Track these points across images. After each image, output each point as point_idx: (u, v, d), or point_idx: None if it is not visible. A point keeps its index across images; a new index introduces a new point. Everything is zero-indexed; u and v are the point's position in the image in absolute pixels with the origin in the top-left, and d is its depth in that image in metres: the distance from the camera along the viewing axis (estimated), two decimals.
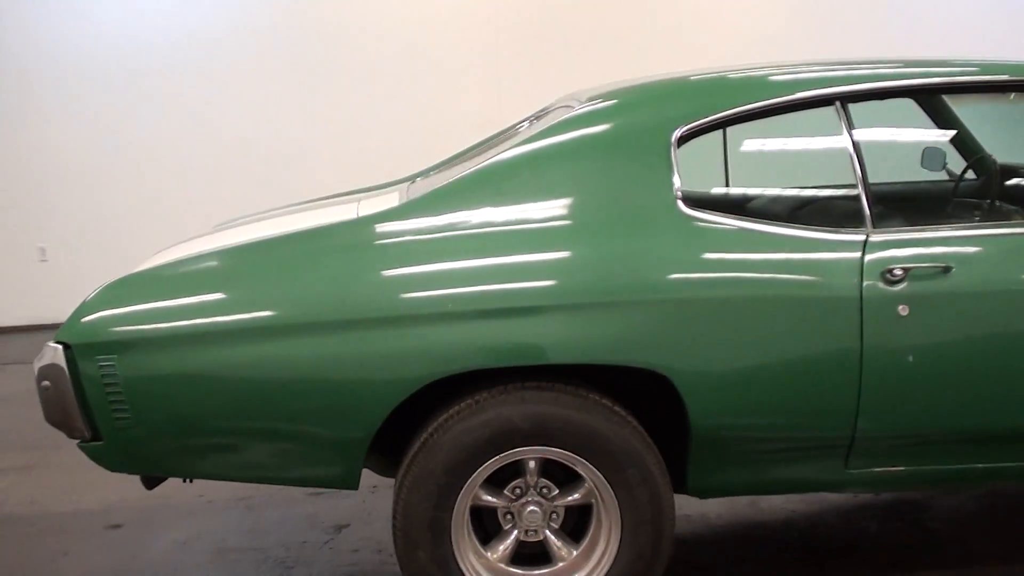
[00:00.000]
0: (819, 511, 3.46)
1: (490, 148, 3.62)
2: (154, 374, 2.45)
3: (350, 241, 2.56)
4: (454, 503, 2.50)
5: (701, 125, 2.64)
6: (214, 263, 2.59)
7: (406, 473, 2.49)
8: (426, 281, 2.47)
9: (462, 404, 2.49)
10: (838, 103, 2.71)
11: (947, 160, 3.77)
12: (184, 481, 2.75)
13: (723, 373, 2.51)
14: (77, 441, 2.53)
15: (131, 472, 2.65)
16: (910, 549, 3.12)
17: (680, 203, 2.55)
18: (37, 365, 2.47)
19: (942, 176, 3.58)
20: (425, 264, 2.50)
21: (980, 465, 2.69)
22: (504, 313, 2.45)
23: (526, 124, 3.75)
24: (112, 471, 2.61)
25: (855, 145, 2.68)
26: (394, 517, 2.52)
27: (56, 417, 2.49)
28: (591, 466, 2.52)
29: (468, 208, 2.58)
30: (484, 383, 2.50)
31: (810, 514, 3.44)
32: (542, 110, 3.71)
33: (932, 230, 2.62)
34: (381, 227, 2.58)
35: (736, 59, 4.42)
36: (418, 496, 2.48)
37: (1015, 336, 2.57)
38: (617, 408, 2.53)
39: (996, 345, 2.57)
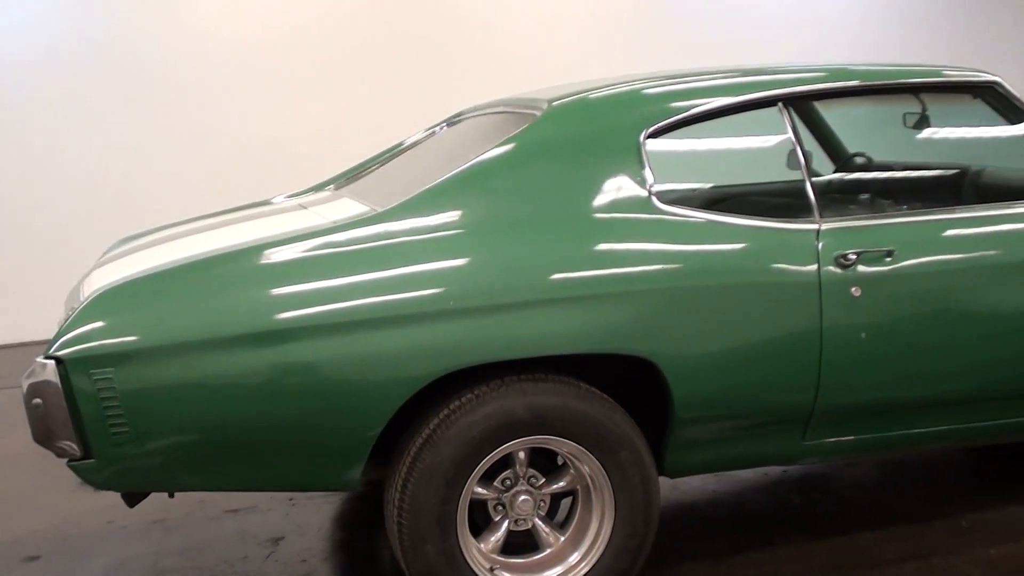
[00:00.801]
0: (739, 490, 3.68)
1: (414, 152, 3.68)
2: (153, 386, 2.36)
3: (347, 242, 2.56)
4: (460, 496, 2.54)
5: (665, 125, 2.80)
6: (207, 269, 2.52)
7: (410, 470, 2.51)
8: (428, 279, 2.50)
9: (462, 399, 2.53)
10: (781, 104, 2.94)
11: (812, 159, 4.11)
12: (169, 496, 2.66)
13: (703, 357, 2.66)
14: (66, 461, 2.41)
15: (123, 489, 2.54)
16: (839, 515, 3.37)
17: (654, 199, 2.70)
18: (27, 382, 2.34)
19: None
20: (427, 263, 2.53)
21: (921, 430, 2.97)
22: (506, 308, 2.51)
23: (439, 129, 3.83)
24: (102, 489, 2.49)
25: (799, 142, 2.91)
26: (398, 514, 2.52)
27: (46, 436, 2.36)
28: (587, 451, 2.61)
29: (459, 208, 2.63)
30: (478, 378, 2.55)
31: (732, 492, 3.65)
32: (457, 115, 3.80)
33: (871, 218, 2.87)
34: (375, 229, 2.59)
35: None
36: (427, 491, 2.50)
37: (951, 311, 2.85)
38: (606, 396, 2.64)
39: (935, 320, 2.84)
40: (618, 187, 2.70)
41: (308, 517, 3.66)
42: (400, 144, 3.92)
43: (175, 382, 2.37)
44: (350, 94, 7.40)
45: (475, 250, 2.57)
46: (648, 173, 2.72)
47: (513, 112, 3.09)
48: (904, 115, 3.61)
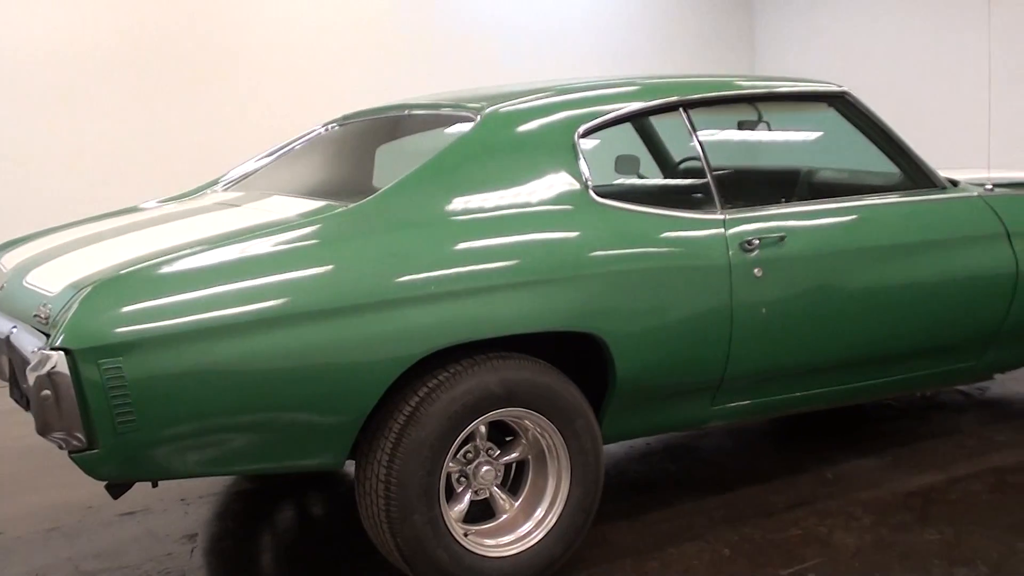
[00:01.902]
0: (617, 461, 4.03)
1: (316, 153, 3.82)
2: (160, 373, 2.41)
3: (333, 232, 2.69)
4: (441, 467, 2.73)
5: (594, 125, 3.12)
6: (204, 258, 2.58)
7: (396, 446, 2.66)
8: (412, 265, 2.68)
9: (440, 378, 2.71)
10: (681, 108, 3.32)
11: (640, 165, 4.57)
12: (153, 485, 2.67)
13: (640, 333, 2.99)
14: (69, 452, 2.41)
15: (124, 478, 2.55)
16: (716, 477, 3.79)
17: (591, 192, 3.00)
18: (34, 374, 2.33)
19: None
20: (409, 251, 2.71)
21: (807, 393, 3.43)
22: (482, 291, 2.74)
23: (322, 129, 3.98)
24: (103, 480, 2.50)
25: (700, 143, 3.31)
26: (385, 488, 2.66)
27: (54, 428, 2.36)
28: (547, 420, 2.87)
29: (427, 200, 2.83)
30: (449, 358, 2.75)
31: (612, 464, 4.00)
32: (348, 116, 3.96)
33: (762, 209, 3.30)
34: (355, 220, 2.74)
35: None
36: (413, 464, 2.67)
37: (832, 287, 3.32)
38: (559, 371, 2.92)
39: (819, 295, 3.31)
40: (561, 182, 2.98)
41: (209, 513, 3.69)
42: (283, 146, 4.02)
43: (181, 369, 2.43)
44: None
45: (447, 239, 2.77)
46: (584, 168, 3.02)
47: (440, 115, 3.31)
48: (738, 122, 4.11)
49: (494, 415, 2.80)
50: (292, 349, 2.53)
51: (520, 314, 2.80)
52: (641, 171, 4.55)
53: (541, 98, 3.18)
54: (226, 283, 2.52)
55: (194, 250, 2.60)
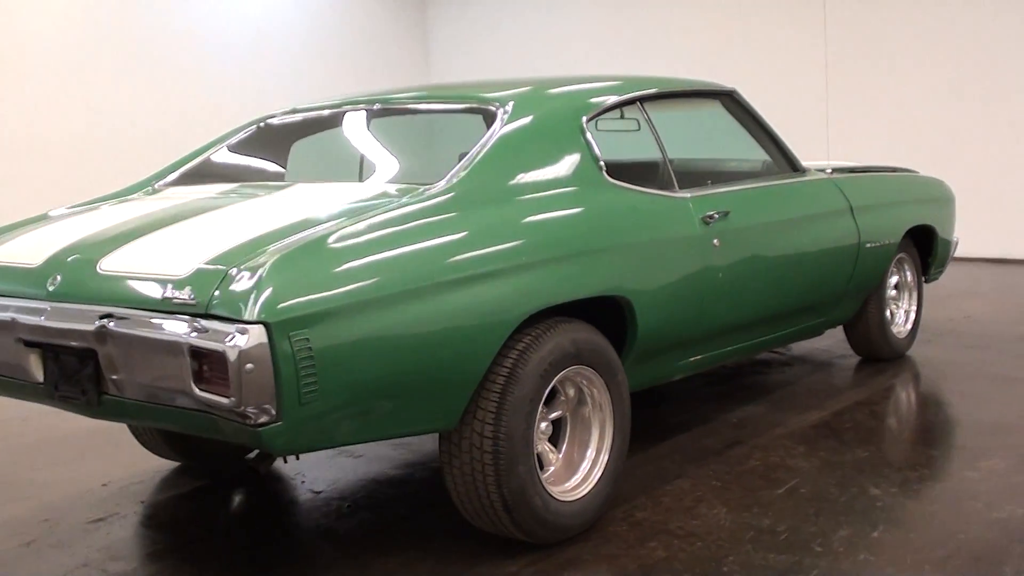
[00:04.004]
0: None
1: (268, 144, 3.93)
2: (337, 343, 2.53)
3: (451, 207, 2.95)
4: (535, 421, 3.01)
5: (595, 113, 3.54)
6: (353, 232, 2.70)
7: (500, 403, 2.90)
8: (517, 236, 2.99)
9: (526, 340, 2.99)
10: (638, 102, 3.81)
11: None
12: (283, 461, 2.70)
13: (652, 294, 3.43)
14: (253, 427, 2.44)
15: (294, 451, 2.59)
16: (656, 433, 4.28)
17: (604, 173, 3.41)
18: (236, 348, 2.36)
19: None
20: (509, 223, 3.02)
21: (738, 346, 4.04)
22: (558, 260, 3.09)
23: (254, 128, 4.07)
24: (279, 453, 2.54)
25: (656, 134, 3.81)
26: (493, 443, 2.88)
27: (250, 402, 2.40)
28: (598, 375, 3.22)
29: (496, 182, 3.12)
30: (527, 323, 3.04)
31: None
32: (292, 109, 4.08)
33: (709, 188, 3.86)
34: (449, 201, 2.99)
35: None
36: (517, 419, 2.92)
37: (760, 254, 3.94)
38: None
39: (753, 262, 3.91)
40: (584, 164, 3.38)
41: (123, 533, 3.47)
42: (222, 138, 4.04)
43: (352, 339, 2.56)
44: None
45: (528, 214, 3.08)
46: (597, 151, 3.42)
47: (454, 107, 3.67)
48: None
49: (567, 372, 3.11)
50: (436, 315, 2.73)
51: (581, 280, 3.16)
52: None
53: (547, 88, 3.54)
54: (382, 255, 2.68)
55: (331, 226, 2.72)
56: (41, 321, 2.84)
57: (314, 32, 10.78)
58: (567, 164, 3.34)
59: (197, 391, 2.49)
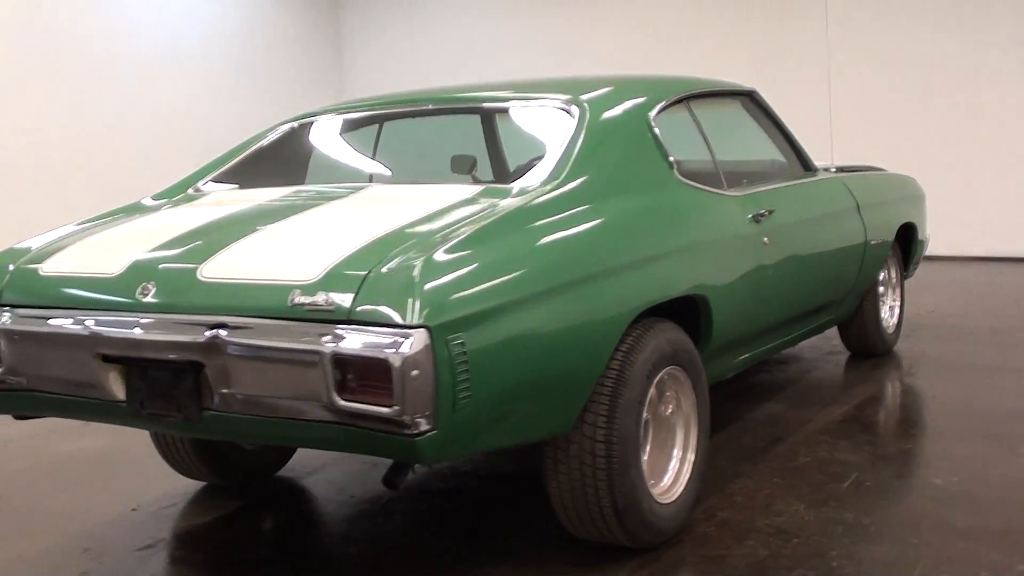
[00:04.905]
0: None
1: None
2: (487, 346, 2.44)
3: (570, 205, 2.91)
4: (642, 423, 2.96)
5: (659, 109, 3.52)
6: (484, 233, 2.60)
7: (612, 406, 2.84)
8: (620, 236, 2.97)
9: (628, 341, 2.94)
10: (686, 101, 3.80)
11: (476, 165, 4.95)
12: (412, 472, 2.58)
13: (725, 292, 3.43)
14: (408, 437, 2.31)
15: (443, 459, 2.47)
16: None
17: (676, 171, 3.39)
18: (400, 356, 2.24)
19: None
20: (621, 221, 3.01)
21: (775, 343, 4.07)
22: (658, 259, 3.08)
23: (288, 130, 3.92)
24: (428, 463, 2.42)
25: (703, 133, 3.81)
26: (606, 448, 2.81)
27: (415, 411, 2.28)
28: (686, 375, 3.19)
29: (597, 180, 3.10)
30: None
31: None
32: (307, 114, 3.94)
33: (751, 188, 3.88)
34: (567, 198, 2.95)
35: None
36: (629, 421, 2.87)
37: (799, 252, 3.99)
38: None
39: (795, 260, 3.95)
40: (658, 163, 3.34)
41: (178, 558, 3.31)
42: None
43: (499, 340, 2.48)
44: None
45: (627, 212, 3.07)
46: (668, 149, 3.39)
47: (525, 106, 3.63)
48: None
49: (663, 372, 3.07)
50: (567, 313, 2.68)
51: (676, 278, 3.14)
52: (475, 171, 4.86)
53: (609, 87, 3.50)
54: (522, 252, 2.61)
55: (462, 226, 2.62)
56: (134, 334, 2.65)
57: (228, 43, 10.48)
58: (646, 162, 3.31)
59: (340, 402, 2.35)
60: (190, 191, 3.61)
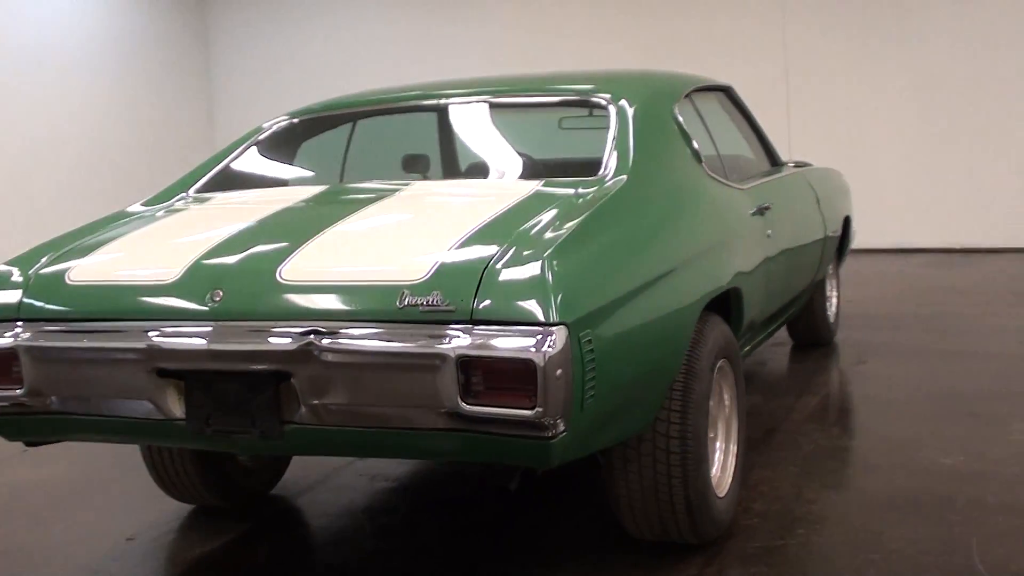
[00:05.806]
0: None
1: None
2: (611, 340, 2.38)
3: (649, 197, 2.92)
4: (709, 417, 2.93)
5: (682, 100, 3.53)
6: (585, 226, 2.52)
7: (684, 402, 2.79)
8: (693, 229, 2.96)
9: (694, 334, 2.91)
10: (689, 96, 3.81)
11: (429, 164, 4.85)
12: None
13: (752, 285, 3.45)
14: (541, 438, 2.21)
15: (561, 462, 2.34)
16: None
17: (703, 164, 3.40)
18: (543, 354, 2.13)
19: None
20: (692, 212, 3.09)
21: (764, 335, 4.12)
22: (713, 250, 3.07)
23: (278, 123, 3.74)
24: (550, 467, 2.31)
25: (708, 130, 3.82)
26: (681, 444, 2.76)
27: (556, 412, 2.18)
28: (732, 368, 3.18)
29: (660, 173, 3.10)
30: None
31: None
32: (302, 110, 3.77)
33: (749, 181, 3.91)
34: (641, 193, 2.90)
35: None
36: (700, 416, 2.83)
37: (790, 245, 4.05)
38: None
39: (787, 252, 4.02)
40: (688, 157, 3.33)
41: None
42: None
43: (617, 334, 2.43)
44: None
45: (691, 203, 3.11)
46: (695, 144, 3.39)
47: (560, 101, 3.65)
48: (560, 119, 4.62)
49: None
50: (663, 306, 2.66)
51: (726, 270, 3.14)
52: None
53: (639, 83, 3.47)
54: (627, 246, 2.59)
55: (558, 220, 2.54)
56: (202, 345, 2.43)
57: (90, 35, 9.95)
58: (683, 156, 3.29)
59: (465, 407, 2.23)
60: (192, 193, 3.36)
